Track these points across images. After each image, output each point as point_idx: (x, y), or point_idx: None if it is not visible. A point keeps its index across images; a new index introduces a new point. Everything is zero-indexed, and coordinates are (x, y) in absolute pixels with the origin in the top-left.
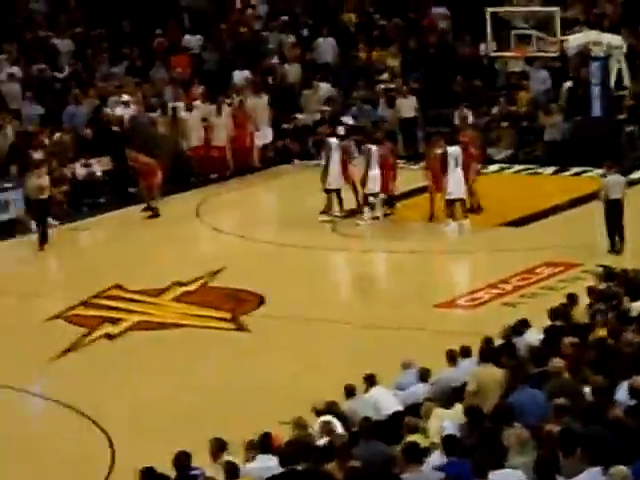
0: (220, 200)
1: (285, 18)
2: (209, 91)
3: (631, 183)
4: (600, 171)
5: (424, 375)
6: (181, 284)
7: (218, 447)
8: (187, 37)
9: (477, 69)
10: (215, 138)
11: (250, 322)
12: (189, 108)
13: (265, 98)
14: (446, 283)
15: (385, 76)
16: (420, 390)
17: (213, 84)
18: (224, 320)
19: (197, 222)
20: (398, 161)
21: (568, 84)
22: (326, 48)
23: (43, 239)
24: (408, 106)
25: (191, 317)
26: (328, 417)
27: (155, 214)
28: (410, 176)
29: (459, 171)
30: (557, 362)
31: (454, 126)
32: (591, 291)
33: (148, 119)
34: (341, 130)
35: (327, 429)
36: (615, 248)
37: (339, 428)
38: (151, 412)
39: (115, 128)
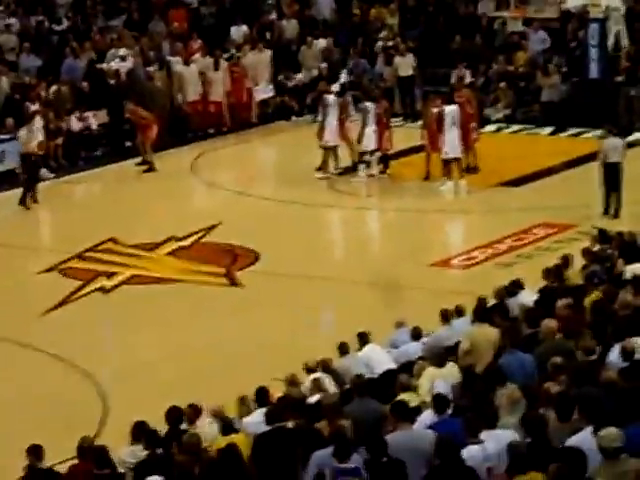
0: (216, 155)
1: None
2: (207, 46)
3: (628, 145)
4: (598, 133)
5: (416, 334)
6: (176, 239)
7: (194, 413)
8: None
9: (475, 28)
10: (212, 93)
11: (244, 278)
12: (187, 62)
13: (267, 53)
14: (441, 242)
15: (383, 34)
16: (412, 349)
17: (211, 39)
18: (218, 275)
19: (193, 177)
20: (396, 119)
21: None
22: (324, 4)
23: (23, 197)
24: (406, 64)
25: (185, 272)
26: (319, 374)
27: (151, 168)
28: (407, 134)
29: (456, 131)
30: (549, 323)
31: (451, 85)
32: (586, 253)
33: (145, 73)
34: (337, 87)
35: (317, 386)
36: (610, 211)
37: (331, 386)
38: (145, 368)
39: (112, 81)
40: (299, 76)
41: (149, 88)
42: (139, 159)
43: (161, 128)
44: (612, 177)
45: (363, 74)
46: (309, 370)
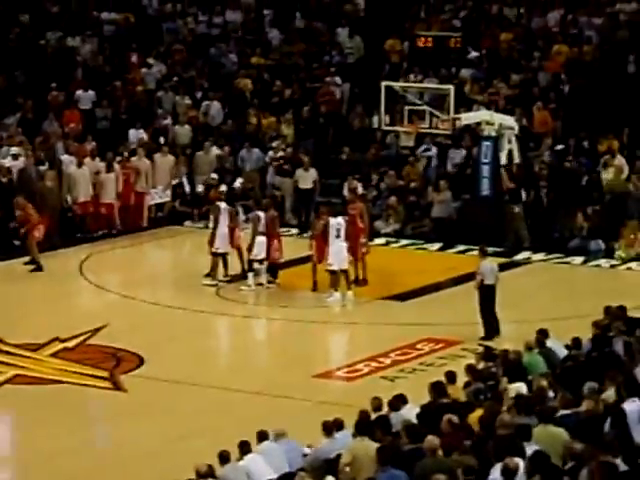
0: (105, 258)
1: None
2: (101, 148)
3: (516, 264)
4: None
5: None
6: (61, 340)
7: None
8: (80, 92)
9: (368, 141)
10: (104, 195)
11: (128, 382)
12: (79, 164)
13: (170, 158)
14: (326, 353)
15: (276, 143)
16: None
17: (105, 141)
18: (102, 379)
19: (81, 278)
20: (289, 230)
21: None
22: (217, 111)
23: None
24: (307, 177)
25: (69, 374)
26: None
27: (38, 267)
28: (300, 245)
29: (340, 243)
30: (432, 440)
31: (344, 197)
32: (469, 370)
33: (36, 172)
34: (228, 194)
35: None
36: (488, 335)
37: None
38: (18, 467)
39: (3, 179)
40: (198, 185)
41: (39, 188)
42: (27, 258)
43: (50, 228)
44: (490, 299)
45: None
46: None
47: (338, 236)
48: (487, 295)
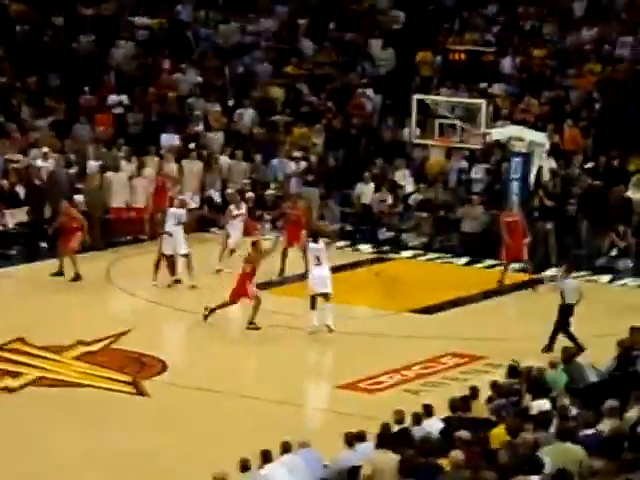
0: (133, 263)
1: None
2: (133, 152)
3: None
4: (514, 266)
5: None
6: (85, 343)
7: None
8: (113, 97)
9: (398, 154)
10: (135, 200)
11: (151, 388)
12: (115, 168)
13: (198, 164)
14: (350, 365)
15: (298, 154)
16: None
17: (137, 145)
18: (125, 383)
19: (107, 283)
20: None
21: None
22: (249, 119)
23: None
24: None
25: (92, 377)
26: None
27: (77, 277)
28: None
29: (320, 270)
30: (456, 455)
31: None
32: (493, 386)
33: (66, 175)
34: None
35: None
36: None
37: None
38: (51, 472)
39: (37, 181)
40: (228, 191)
41: (84, 190)
42: (54, 260)
43: (90, 231)
44: (567, 318)
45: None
46: None
47: (318, 263)
48: (566, 314)
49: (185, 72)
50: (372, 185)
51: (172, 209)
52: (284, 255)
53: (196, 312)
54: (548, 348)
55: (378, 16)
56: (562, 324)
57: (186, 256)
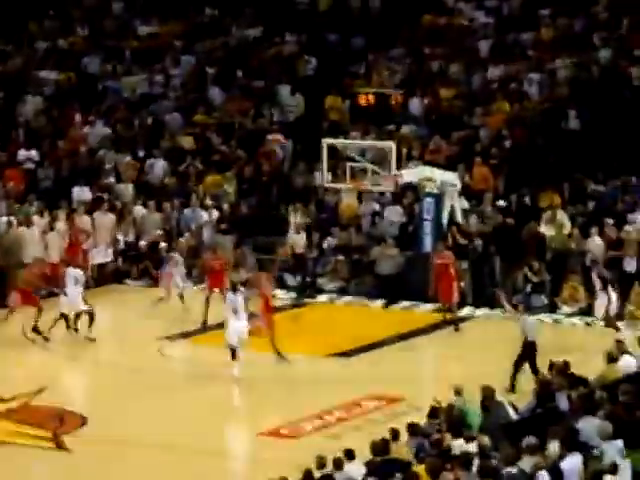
0: (48, 316)
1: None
2: (45, 207)
3: (460, 320)
4: (429, 306)
5: None
6: (3, 400)
7: None
8: (22, 152)
9: (310, 199)
10: (48, 254)
11: (71, 442)
12: (28, 223)
13: (110, 217)
14: (271, 411)
15: (210, 202)
16: None
17: (49, 200)
18: (45, 439)
19: (22, 338)
20: None
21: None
22: (159, 169)
23: None
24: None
25: (11, 434)
26: None
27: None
28: None
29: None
30: None
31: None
32: (409, 426)
33: None
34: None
35: None
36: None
37: None
38: None
39: None
40: (141, 242)
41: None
42: None
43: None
44: (531, 355)
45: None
46: None
47: (236, 314)
48: (529, 351)
49: (94, 124)
50: (303, 234)
51: (70, 269)
52: (207, 303)
53: (113, 364)
54: (511, 387)
55: (285, 63)
56: (522, 360)
57: (88, 312)
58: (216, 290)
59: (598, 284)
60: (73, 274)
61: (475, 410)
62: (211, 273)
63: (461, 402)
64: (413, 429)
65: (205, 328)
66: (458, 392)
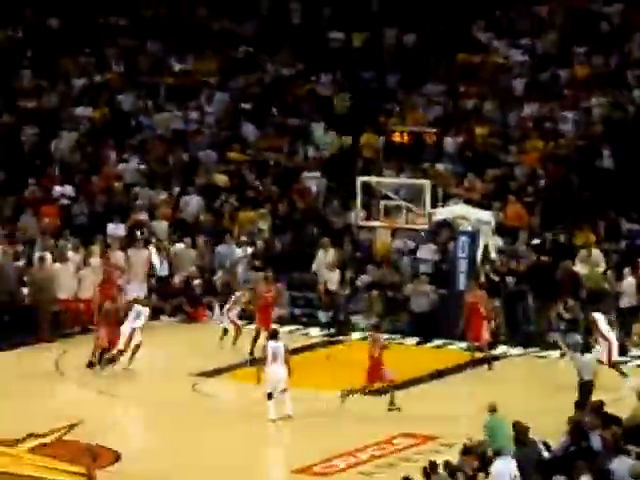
0: (81, 353)
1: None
2: (80, 243)
3: (494, 359)
4: (463, 345)
5: None
6: (36, 436)
7: None
8: (57, 188)
9: (344, 236)
10: (82, 290)
11: (104, 478)
12: (62, 259)
13: (145, 253)
14: (304, 449)
15: (244, 239)
16: None
17: (83, 236)
18: (78, 474)
19: (57, 374)
20: None
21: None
22: (194, 206)
23: None
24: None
25: (45, 469)
26: None
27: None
28: None
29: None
30: None
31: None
32: (446, 465)
33: (13, 269)
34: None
35: None
36: None
37: None
38: None
39: None
40: (175, 280)
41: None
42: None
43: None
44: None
45: None
46: None
47: (275, 360)
48: (585, 391)
49: (128, 161)
50: (338, 272)
51: (138, 306)
52: (255, 339)
53: (147, 399)
54: None
55: (320, 100)
56: (582, 402)
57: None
58: (263, 328)
59: None
60: (137, 309)
61: (509, 424)
62: (263, 306)
63: (495, 419)
64: (447, 467)
65: (252, 363)
66: (493, 409)
